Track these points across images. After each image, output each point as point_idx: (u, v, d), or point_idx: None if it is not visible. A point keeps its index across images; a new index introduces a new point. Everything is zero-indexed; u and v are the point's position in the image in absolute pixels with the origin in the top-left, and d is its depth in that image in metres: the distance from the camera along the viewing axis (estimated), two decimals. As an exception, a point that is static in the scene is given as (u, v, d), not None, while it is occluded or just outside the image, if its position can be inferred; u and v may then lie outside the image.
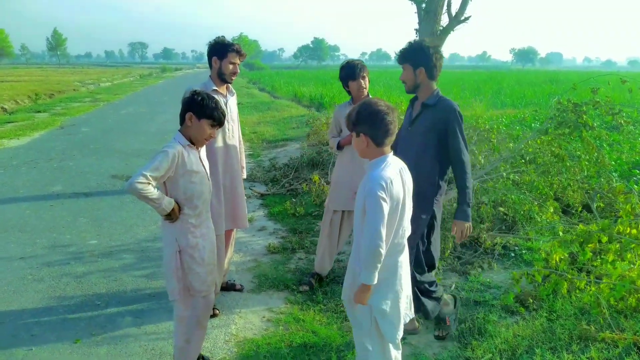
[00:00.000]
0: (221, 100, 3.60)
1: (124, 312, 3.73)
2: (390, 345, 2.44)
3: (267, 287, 4.16)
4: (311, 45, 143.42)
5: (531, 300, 3.71)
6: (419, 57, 3.05)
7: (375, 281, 2.25)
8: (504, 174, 5.28)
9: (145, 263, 4.60)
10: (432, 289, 3.25)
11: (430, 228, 3.18)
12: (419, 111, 3.14)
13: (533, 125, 8.74)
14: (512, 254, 4.69)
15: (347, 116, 2.38)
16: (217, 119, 2.72)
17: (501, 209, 5.16)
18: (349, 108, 3.91)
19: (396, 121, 2.32)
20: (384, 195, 2.17)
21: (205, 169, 2.83)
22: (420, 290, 3.19)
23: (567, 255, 3.67)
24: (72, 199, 6.62)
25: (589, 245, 3.51)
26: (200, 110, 2.67)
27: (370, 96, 3.89)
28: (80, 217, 5.88)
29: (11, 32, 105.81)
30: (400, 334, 2.45)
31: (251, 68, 71.23)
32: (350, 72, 3.83)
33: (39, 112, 16.55)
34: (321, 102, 19.01)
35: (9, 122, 13.69)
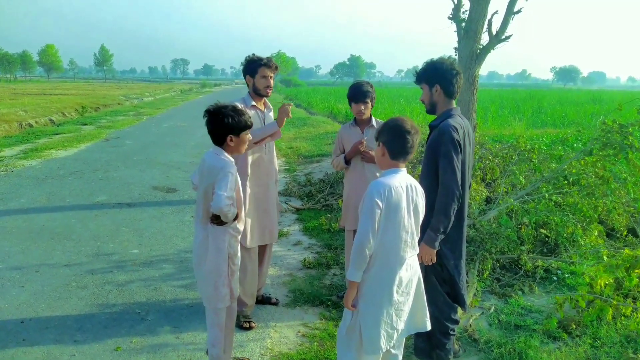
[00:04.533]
0: (259, 114, 3.69)
1: (163, 321, 3.81)
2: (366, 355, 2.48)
3: (302, 302, 4.18)
4: (347, 63, 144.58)
5: (574, 326, 3.59)
6: (434, 75, 2.98)
7: (359, 279, 2.39)
8: (546, 194, 5.16)
9: (184, 274, 4.70)
10: (452, 333, 3.10)
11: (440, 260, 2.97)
12: (429, 133, 3.06)
13: (575, 145, 8.52)
14: (555, 278, 4.56)
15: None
16: (250, 123, 2.81)
17: (543, 230, 5.03)
18: (353, 128, 3.93)
19: (416, 143, 2.42)
20: (378, 201, 2.29)
21: None
22: (443, 332, 3.06)
23: (612, 281, 3.54)
24: (116, 209, 6.84)
25: (636, 271, 3.39)
26: (237, 127, 2.76)
27: (374, 118, 3.94)
28: (123, 226, 6.07)
29: (60, 47, 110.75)
30: (378, 351, 2.46)
31: (288, 84, 72.15)
32: (353, 94, 3.83)
33: (85, 124, 17.24)
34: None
35: (56, 134, 14.30)
